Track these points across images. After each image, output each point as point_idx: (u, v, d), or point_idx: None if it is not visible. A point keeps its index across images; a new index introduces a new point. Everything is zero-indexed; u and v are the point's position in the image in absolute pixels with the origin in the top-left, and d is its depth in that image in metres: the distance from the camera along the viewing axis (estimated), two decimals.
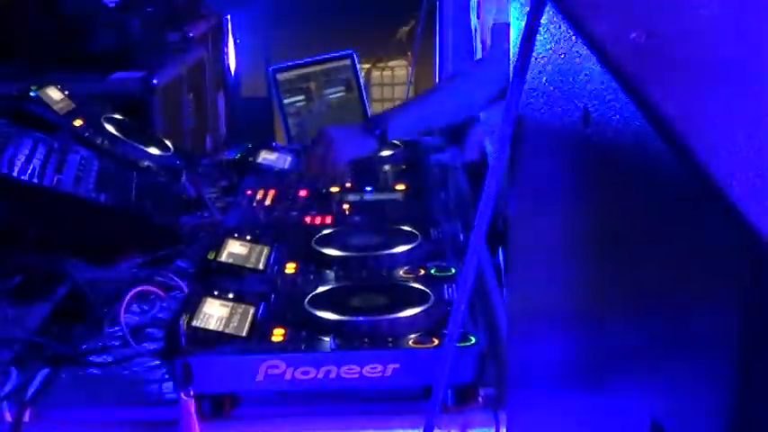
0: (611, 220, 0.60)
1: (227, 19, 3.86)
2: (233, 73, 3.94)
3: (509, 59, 1.96)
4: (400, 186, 1.99)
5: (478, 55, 2.36)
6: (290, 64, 2.46)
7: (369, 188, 1.97)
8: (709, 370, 0.42)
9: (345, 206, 1.88)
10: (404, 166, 2.11)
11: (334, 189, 1.96)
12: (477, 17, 2.34)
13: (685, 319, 0.45)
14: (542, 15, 0.70)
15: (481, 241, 0.80)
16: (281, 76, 2.42)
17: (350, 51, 2.55)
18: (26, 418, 1.33)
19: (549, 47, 0.71)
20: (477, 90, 2.06)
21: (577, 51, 0.63)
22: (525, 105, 0.77)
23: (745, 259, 0.38)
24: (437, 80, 3.40)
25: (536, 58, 0.73)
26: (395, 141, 2.13)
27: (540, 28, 0.71)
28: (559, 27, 0.68)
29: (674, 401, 0.47)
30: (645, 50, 0.57)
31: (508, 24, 1.94)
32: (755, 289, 0.37)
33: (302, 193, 1.95)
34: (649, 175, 0.50)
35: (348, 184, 1.99)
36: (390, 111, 2.23)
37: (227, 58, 3.87)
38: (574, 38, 0.63)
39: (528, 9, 0.70)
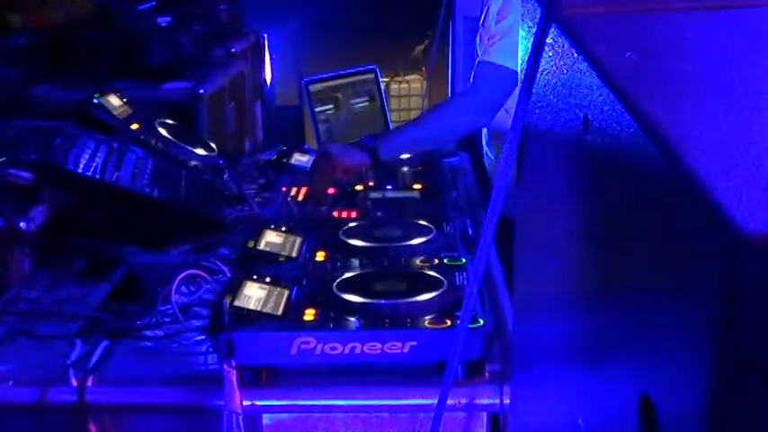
0: (605, 216, 0.60)
1: (264, 37, 3.87)
2: (269, 84, 3.95)
3: (489, 95, 1.93)
4: (417, 186, 1.99)
5: None
6: (320, 77, 2.47)
7: (389, 187, 1.98)
8: (691, 348, 0.42)
9: (369, 203, 1.89)
10: (420, 168, 2.12)
11: (359, 187, 1.97)
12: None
13: (670, 304, 0.45)
14: (548, 35, 0.70)
15: (491, 235, 0.81)
16: (312, 88, 2.43)
17: (373, 66, 2.55)
18: (89, 383, 1.35)
19: (553, 63, 0.71)
20: (459, 121, 2.02)
21: (579, 67, 0.63)
22: (532, 114, 0.78)
23: (721, 250, 0.38)
24: (449, 92, 3.40)
25: (542, 73, 0.73)
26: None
27: (546, 47, 0.71)
28: (563, 46, 0.68)
29: (661, 376, 0.48)
30: (638, 67, 0.57)
31: (491, 63, 1.93)
32: (729, 277, 0.38)
33: (330, 190, 1.96)
34: (641, 175, 0.50)
35: (371, 183, 1.99)
36: (384, 133, 2.18)
37: (264, 72, 3.87)
38: (576, 55, 0.64)
39: (535, 30, 0.70)
